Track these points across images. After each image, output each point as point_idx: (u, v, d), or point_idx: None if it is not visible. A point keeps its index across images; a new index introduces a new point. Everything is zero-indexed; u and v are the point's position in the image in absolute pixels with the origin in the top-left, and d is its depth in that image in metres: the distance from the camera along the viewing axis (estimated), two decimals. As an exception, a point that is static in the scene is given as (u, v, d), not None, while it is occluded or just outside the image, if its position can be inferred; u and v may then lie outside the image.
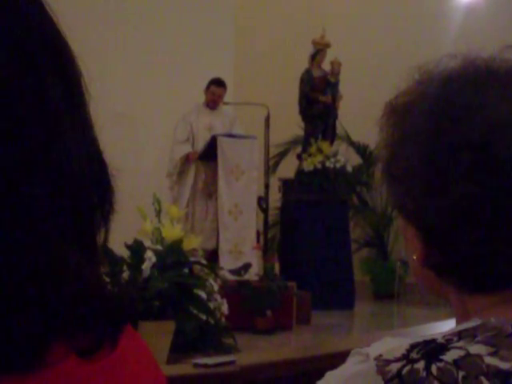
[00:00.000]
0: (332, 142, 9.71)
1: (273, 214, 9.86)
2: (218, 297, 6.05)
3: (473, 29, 9.89)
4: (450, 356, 0.87)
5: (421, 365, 0.86)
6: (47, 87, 0.63)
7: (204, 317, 5.75)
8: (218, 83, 8.77)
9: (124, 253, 5.58)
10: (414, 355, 0.87)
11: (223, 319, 6.09)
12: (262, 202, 8.62)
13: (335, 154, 9.69)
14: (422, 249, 0.97)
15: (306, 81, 9.59)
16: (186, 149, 8.69)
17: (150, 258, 5.53)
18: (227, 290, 6.58)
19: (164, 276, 5.45)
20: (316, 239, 9.31)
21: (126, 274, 5.50)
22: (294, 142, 10.61)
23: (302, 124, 9.77)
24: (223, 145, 8.31)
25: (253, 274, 7.76)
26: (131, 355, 0.68)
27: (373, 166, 10.36)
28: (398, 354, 0.88)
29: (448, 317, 4.80)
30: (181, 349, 5.44)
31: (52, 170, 0.62)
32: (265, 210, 8.71)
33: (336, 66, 9.61)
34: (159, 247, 5.70)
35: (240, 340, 6.13)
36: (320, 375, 0.94)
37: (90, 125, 0.67)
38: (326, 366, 0.99)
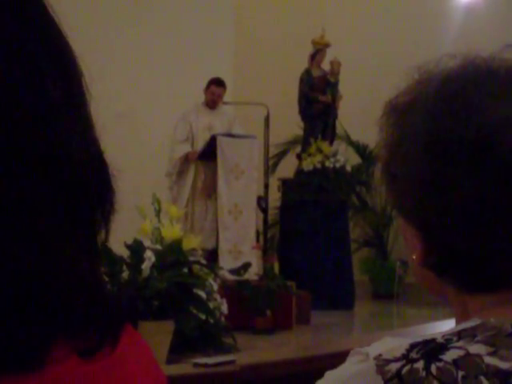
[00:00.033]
0: (331, 142, 9.71)
1: (272, 214, 9.85)
2: (217, 296, 6.06)
3: (473, 29, 9.88)
4: (450, 356, 0.87)
5: (420, 364, 0.86)
6: (48, 87, 0.63)
7: (204, 316, 5.76)
8: (217, 83, 8.76)
9: (124, 252, 5.58)
10: (413, 355, 0.87)
11: (223, 319, 6.10)
12: (262, 202, 8.62)
13: (335, 154, 9.68)
14: (421, 249, 0.97)
15: (306, 81, 9.59)
16: (186, 148, 8.68)
17: (149, 257, 5.53)
18: (227, 290, 6.58)
19: (163, 276, 5.45)
20: (315, 239, 9.30)
21: (125, 274, 5.51)
22: (293, 142, 10.60)
23: (302, 124, 9.76)
24: (223, 144, 8.30)
25: (252, 274, 7.76)
26: (131, 355, 0.68)
27: (372, 165, 10.34)
28: (398, 353, 0.88)
29: (448, 317, 4.79)
30: (181, 348, 5.44)
31: (52, 170, 0.62)
32: (264, 210, 8.71)
33: (336, 66, 9.61)
34: (159, 247, 5.71)
35: (240, 340, 6.13)
36: (320, 375, 0.94)
37: (91, 125, 0.67)
38: (326, 365, 0.99)
